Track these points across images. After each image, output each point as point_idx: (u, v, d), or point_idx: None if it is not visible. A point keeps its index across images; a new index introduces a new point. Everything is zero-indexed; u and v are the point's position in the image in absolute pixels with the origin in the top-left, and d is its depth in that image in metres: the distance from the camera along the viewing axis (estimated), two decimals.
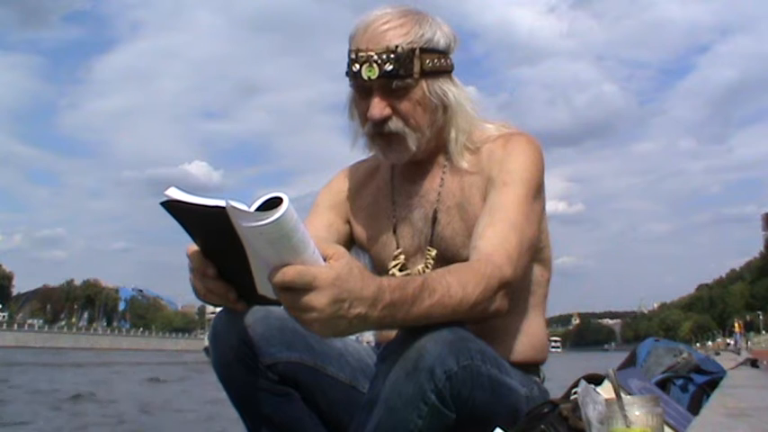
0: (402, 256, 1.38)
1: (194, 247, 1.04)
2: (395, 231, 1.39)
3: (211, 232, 0.95)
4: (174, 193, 0.92)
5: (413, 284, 1.00)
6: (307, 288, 0.89)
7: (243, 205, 0.87)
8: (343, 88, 1.33)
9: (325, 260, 0.93)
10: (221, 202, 0.88)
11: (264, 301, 1.01)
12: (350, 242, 1.47)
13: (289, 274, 0.89)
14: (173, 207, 0.93)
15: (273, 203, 0.85)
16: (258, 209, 0.86)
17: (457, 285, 1.05)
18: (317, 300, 0.90)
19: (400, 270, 1.37)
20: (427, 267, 1.33)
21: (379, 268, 1.40)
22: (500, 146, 1.32)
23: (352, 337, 1.22)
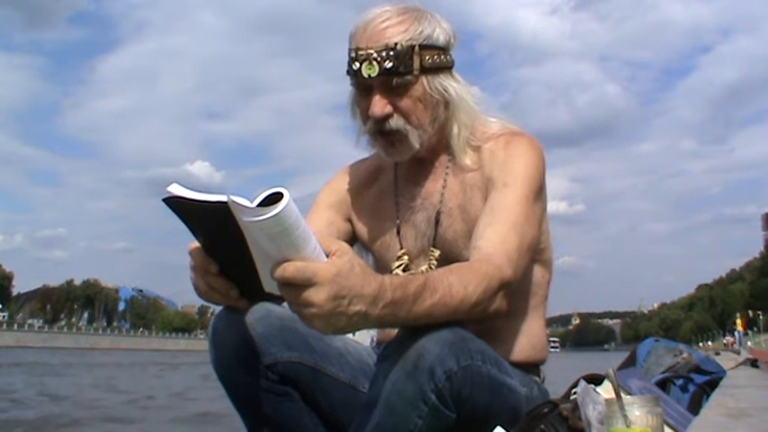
0: (405, 257, 1.38)
1: (196, 243, 1.04)
2: (398, 232, 1.39)
3: (214, 229, 0.95)
4: (177, 190, 0.92)
5: (414, 283, 1.00)
6: (307, 284, 0.90)
7: (245, 200, 0.87)
8: (345, 89, 1.33)
9: (327, 256, 0.93)
10: (223, 197, 0.88)
11: (270, 297, 1.01)
12: (351, 240, 1.47)
13: (289, 269, 0.89)
14: (175, 203, 0.93)
15: (275, 199, 0.86)
16: (260, 204, 0.86)
17: (458, 285, 1.05)
18: (317, 295, 0.90)
19: (404, 271, 1.37)
20: (431, 268, 1.33)
21: (383, 268, 1.40)
22: (501, 146, 1.32)
23: (352, 336, 1.21)
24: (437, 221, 1.35)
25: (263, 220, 0.85)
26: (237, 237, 0.91)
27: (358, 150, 1.40)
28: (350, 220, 1.48)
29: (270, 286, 0.97)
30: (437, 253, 1.34)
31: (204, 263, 1.04)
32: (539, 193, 1.29)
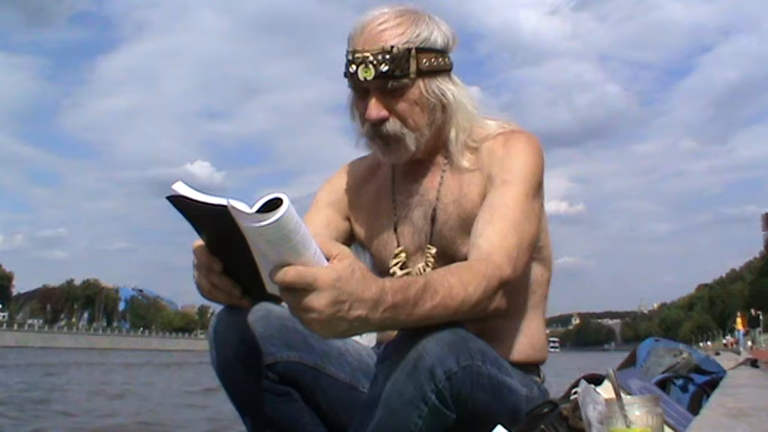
0: (403, 255, 1.38)
1: (200, 242, 1.04)
2: (395, 230, 1.39)
3: (217, 229, 0.95)
4: (181, 188, 0.92)
5: (415, 286, 1.00)
6: (307, 289, 0.90)
7: (244, 205, 0.87)
8: (345, 89, 1.33)
9: (328, 260, 0.93)
10: (223, 201, 0.88)
11: (272, 297, 1.01)
12: (349, 239, 1.47)
13: (289, 274, 0.89)
14: (178, 202, 0.93)
15: (275, 204, 0.85)
16: (259, 210, 0.86)
17: (458, 286, 1.05)
18: (317, 301, 0.90)
19: (401, 268, 1.37)
20: (428, 265, 1.33)
21: (380, 266, 1.40)
22: (500, 144, 1.32)
23: (355, 338, 1.21)
24: (433, 218, 1.35)
25: (263, 226, 0.85)
26: (240, 238, 0.91)
27: (358, 151, 1.40)
28: (348, 219, 1.48)
29: (272, 287, 0.97)
30: (433, 250, 1.34)
31: (208, 261, 1.04)
32: (538, 190, 1.29)
